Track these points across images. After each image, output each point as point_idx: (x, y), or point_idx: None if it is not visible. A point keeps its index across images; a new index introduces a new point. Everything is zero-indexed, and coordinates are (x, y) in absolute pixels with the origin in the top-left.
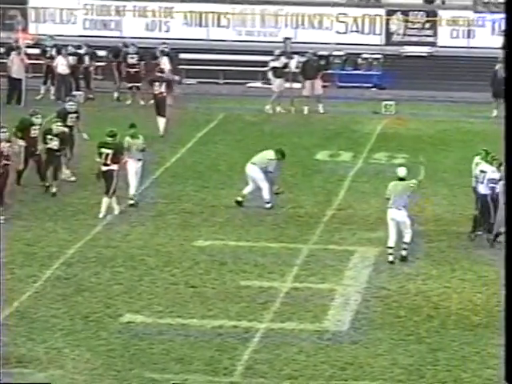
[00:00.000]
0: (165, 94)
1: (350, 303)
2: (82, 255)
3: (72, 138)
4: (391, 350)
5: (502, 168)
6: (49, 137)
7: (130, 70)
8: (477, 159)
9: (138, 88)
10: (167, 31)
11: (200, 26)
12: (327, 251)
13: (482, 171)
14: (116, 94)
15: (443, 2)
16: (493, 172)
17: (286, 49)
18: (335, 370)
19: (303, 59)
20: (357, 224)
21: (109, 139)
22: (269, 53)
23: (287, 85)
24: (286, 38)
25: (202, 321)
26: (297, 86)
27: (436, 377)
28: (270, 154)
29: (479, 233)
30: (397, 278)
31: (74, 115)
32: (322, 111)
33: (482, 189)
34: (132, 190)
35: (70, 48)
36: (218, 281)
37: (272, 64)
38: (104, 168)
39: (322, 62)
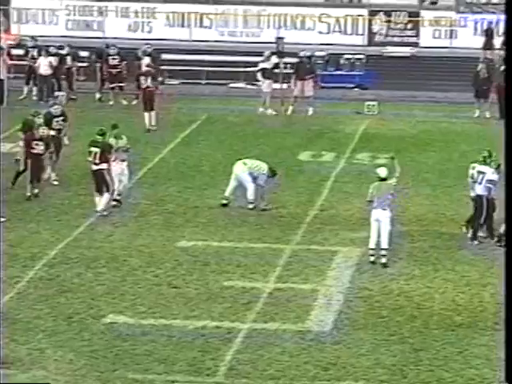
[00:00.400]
0: (153, 89)
1: (332, 303)
2: (65, 256)
3: (60, 141)
4: (374, 350)
5: (501, 169)
6: (34, 142)
7: (112, 70)
8: (477, 165)
9: (120, 88)
10: (150, 32)
11: (182, 26)
12: (310, 251)
13: (480, 172)
14: (98, 95)
15: (434, 3)
16: (492, 173)
17: (279, 48)
18: (318, 371)
19: (295, 60)
20: (339, 224)
21: (98, 137)
22: (251, 53)
23: (277, 85)
24: (279, 38)
25: (185, 321)
26: (284, 86)
27: (419, 377)
28: (264, 167)
29: (481, 235)
30: (379, 279)
31: (60, 118)
32: (310, 113)
33: (479, 189)
34: (115, 191)
35: (52, 49)
36: (201, 281)
37: (261, 65)
38: (94, 167)
39: (308, 65)
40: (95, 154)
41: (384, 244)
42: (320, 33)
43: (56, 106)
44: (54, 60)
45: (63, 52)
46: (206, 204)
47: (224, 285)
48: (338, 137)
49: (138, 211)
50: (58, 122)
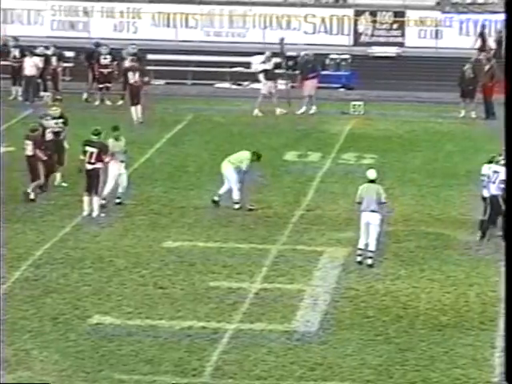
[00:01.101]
0: (139, 84)
1: (318, 304)
2: (50, 256)
3: (61, 144)
4: (360, 351)
5: None
6: (43, 145)
7: (103, 70)
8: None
9: (107, 89)
10: (135, 32)
11: (168, 26)
12: (296, 252)
13: (495, 171)
14: (85, 95)
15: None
16: None
17: (282, 49)
18: (304, 371)
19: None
20: (325, 224)
21: (94, 138)
22: (237, 53)
23: (282, 86)
24: (282, 39)
25: (171, 322)
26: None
27: (405, 377)
28: (245, 154)
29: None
30: (365, 279)
31: (60, 120)
32: (300, 112)
33: (493, 189)
34: (106, 191)
35: (39, 49)
36: (187, 282)
37: (263, 66)
38: (89, 166)
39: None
40: (91, 153)
41: (372, 246)
42: (306, 33)
43: (55, 108)
44: (39, 60)
45: (49, 52)
46: (192, 204)
47: (210, 285)
48: (323, 137)
49: (124, 212)
50: (57, 123)
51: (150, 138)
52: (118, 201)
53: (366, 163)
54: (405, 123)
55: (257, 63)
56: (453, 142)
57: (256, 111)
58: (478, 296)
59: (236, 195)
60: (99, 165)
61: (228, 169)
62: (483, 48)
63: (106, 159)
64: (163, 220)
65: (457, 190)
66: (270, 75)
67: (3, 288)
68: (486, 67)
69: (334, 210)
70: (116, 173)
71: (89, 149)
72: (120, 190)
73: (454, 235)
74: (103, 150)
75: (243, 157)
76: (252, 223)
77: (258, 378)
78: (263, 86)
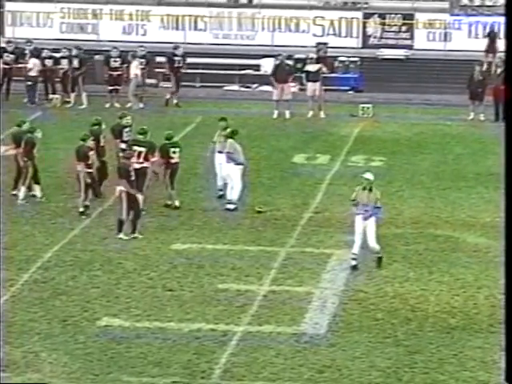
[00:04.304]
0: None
1: (327, 306)
2: (59, 259)
3: None
4: (369, 353)
5: None
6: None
7: (113, 73)
8: None
9: (116, 91)
10: (144, 34)
11: (177, 29)
12: (304, 254)
13: None
14: (168, 96)
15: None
16: None
17: (320, 54)
18: (313, 373)
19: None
20: (334, 227)
21: (140, 137)
22: (245, 56)
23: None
24: (321, 44)
25: (180, 324)
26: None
27: (413, 379)
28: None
29: None
30: (374, 281)
31: (128, 129)
32: (287, 116)
33: None
34: (236, 194)
35: (45, 52)
36: (196, 284)
37: (305, 68)
38: (137, 165)
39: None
40: (139, 152)
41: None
42: (314, 35)
43: (128, 117)
44: (39, 62)
45: (57, 55)
46: (201, 207)
47: (219, 287)
48: (332, 139)
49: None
50: (127, 132)
51: (159, 141)
52: (220, 193)
53: (375, 166)
54: (413, 126)
55: (266, 65)
56: (462, 144)
57: (310, 113)
58: (487, 298)
59: (235, 194)
60: (147, 164)
61: (229, 168)
62: (491, 50)
63: (153, 159)
64: (172, 222)
65: (466, 192)
66: (312, 77)
67: (12, 290)
68: (499, 70)
69: (343, 213)
70: (226, 172)
71: (137, 148)
72: (230, 192)
73: (463, 238)
74: (151, 149)
75: (228, 145)
76: (260, 225)
77: (267, 380)
78: (309, 88)
